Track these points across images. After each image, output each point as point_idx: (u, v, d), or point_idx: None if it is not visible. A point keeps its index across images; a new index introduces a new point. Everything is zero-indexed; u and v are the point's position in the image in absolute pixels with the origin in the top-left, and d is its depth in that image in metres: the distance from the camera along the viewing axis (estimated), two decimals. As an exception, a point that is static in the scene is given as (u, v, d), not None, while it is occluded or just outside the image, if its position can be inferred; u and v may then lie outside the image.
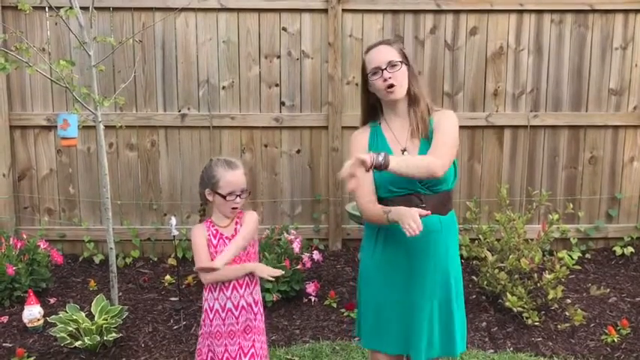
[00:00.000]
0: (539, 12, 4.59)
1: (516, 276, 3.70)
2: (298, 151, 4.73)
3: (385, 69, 2.23)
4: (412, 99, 2.30)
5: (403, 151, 2.28)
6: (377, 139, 2.33)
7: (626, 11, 4.58)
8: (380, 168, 2.00)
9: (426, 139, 2.26)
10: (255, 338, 2.48)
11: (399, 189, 2.22)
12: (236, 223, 2.46)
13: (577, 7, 4.58)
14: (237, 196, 2.38)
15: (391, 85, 2.23)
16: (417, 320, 2.27)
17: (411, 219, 2.01)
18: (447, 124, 2.27)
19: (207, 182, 2.42)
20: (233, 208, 2.41)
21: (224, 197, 2.37)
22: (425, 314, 2.28)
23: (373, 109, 2.39)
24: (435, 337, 2.30)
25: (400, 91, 2.26)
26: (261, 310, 2.53)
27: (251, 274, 2.47)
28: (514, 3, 4.58)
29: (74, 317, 3.27)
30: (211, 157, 2.51)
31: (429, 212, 2.11)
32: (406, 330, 2.29)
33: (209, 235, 2.43)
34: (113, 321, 3.31)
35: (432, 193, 2.24)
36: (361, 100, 2.42)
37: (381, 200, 2.29)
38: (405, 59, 2.28)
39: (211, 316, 2.46)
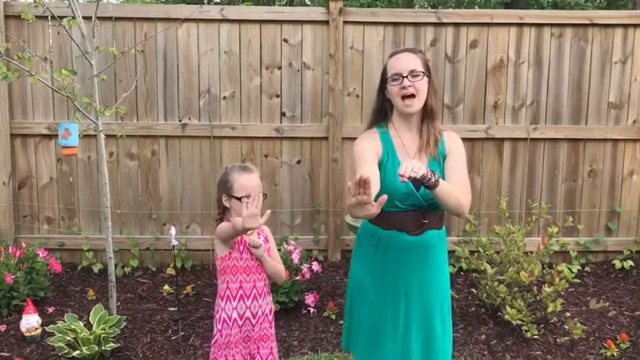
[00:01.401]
0: (539, 25, 4.61)
1: (516, 289, 3.69)
2: (298, 162, 4.74)
3: (406, 77, 2.17)
4: (428, 113, 2.25)
5: None
6: (387, 147, 2.26)
7: (625, 26, 4.61)
8: (427, 186, 1.98)
9: (434, 158, 2.23)
10: (272, 345, 2.52)
11: (405, 205, 2.20)
12: (258, 234, 2.49)
13: (577, 21, 4.61)
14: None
15: (411, 96, 2.18)
16: (413, 333, 2.26)
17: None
18: (461, 154, 2.26)
19: (223, 188, 2.42)
20: None
21: (239, 200, 2.36)
22: (422, 327, 2.26)
23: (383, 113, 2.33)
24: (433, 350, 2.29)
25: (418, 104, 2.20)
26: (273, 317, 2.55)
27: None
28: (514, 16, 4.62)
29: (72, 327, 3.27)
30: (227, 165, 2.52)
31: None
32: (402, 343, 2.27)
33: (236, 240, 2.41)
34: (111, 331, 3.31)
35: (433, 210, 2.22)
36: (375, 103, 2.36)
37: (382, 214, 2.27)
38: (428, 71, 2.23)
39: (230, 324, 2.43)
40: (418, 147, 2.25)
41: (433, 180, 1.97)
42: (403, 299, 2.26)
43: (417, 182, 1.97)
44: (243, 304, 2.43)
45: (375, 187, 1.95)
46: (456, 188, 2.13)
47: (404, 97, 2.19)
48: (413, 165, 1.90)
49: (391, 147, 2.26)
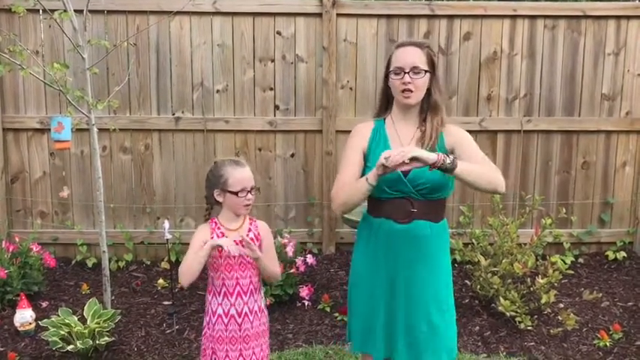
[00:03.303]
0: (533, 17, 4.61)
1: (509, 280, 3.71)
2: (292, 155, 4.73)
3: (408, 72, 2.18)
4: (432, 107, 2.27)
5: None
6: (379, 136, 2.29)
7: (618, 17, 4.61)
8: (445, 170, 2.01)
9: (430, 150, 2.21)
10: (261, 342, 2.47)
11: (393, 191, 2.20)
12: (249, 230, 2.44)
13: (570, 12, 4.61)
14: (248, 192, 2.37)
15: (408, 90, 2.19)
16: (404, 324, 2.26)
17: (383, 157, 2.00)
18: (468, 141, 2.28)
19: (215, 182, 2.39)
20: (246, 206, 2.39)
21: (236, 194, 2.35)
22: (412, 318, 2.26)
23: (388, 102, 2.36)
24: (420, 342, 2.27)
25: (415, 97, 2.22)
26: (266, 313, 2.52)
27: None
28: (508, 8, 4.61)
29: (66, 321, 3.26)
30: (215, 160, 2.51)
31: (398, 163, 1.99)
32: (390, 334, 2.28)
33: (213, 236, 2.38)
34: (106, 325, 3.30)
35: (425, 200, 2.22)
36: (380, 91, 2.38)
37: (373, 200, 2.29)
38: (432, 67, 2.24)
39: (214, 320, 2.42)
40: (414, 137, 2.26)
41: (448, 162, 1.99)
42: (391, 288, 2.27)
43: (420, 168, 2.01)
44: (227, 301, 2.40)
45: (357, 170, 2.25)
46: (481, 166, 2.15)
47: (403, 90, 2.21)
48: (403, 152, 1.94)
49: (383, 137, 2.28)
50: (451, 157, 2.01)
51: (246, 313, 2.42)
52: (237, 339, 2.42)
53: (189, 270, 2.32)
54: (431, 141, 2.23)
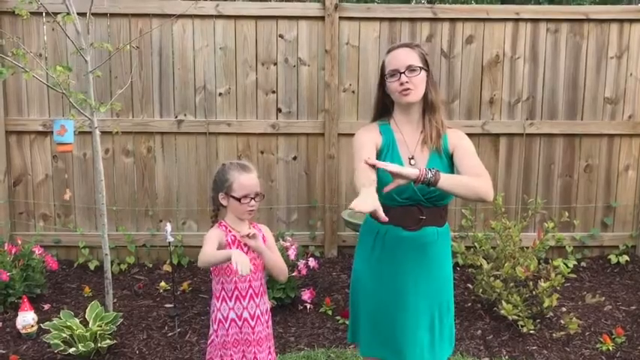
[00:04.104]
0: (535, 21, 4.61)
1: (512, 284, 3.70)
2: (294, 158, 4.73)
3: (403, 72, 2.18)
4: (429, 106, 2.25)
5: (410, 159, 2.23)
6: (388, 140, 2.27)
7: (620, 21, 4.61)
8: (428, 184, 1.97)
9: (436, 152, 2.22)
10: (269, 345, 2.48)
11: (403, 199, 2.19)
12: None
13: (572, 16, 4.61)
14: (252, 199, 2.37)
15: (407, 89, 2.19)
16: (411, 329, 2.26)
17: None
18: (467, 144, 2.24)
19: (220, 186, 2.39)
20: (249, 212, 2.39)
21: (239, 200, 2.35)
22: (419, 323, 2.26)
23: (385, 108, 2.35)
24: (433, 345, 2.29)
25: (415, 95, 2.21)
26: (270, 315, 2.53)
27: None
28: (510, 12, 4.61)
29: (68, 324, 3.26)
30: (224, 162, 2.50)
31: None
32: (401, 338, 2.28)
33: (227, 240, 2.37)
34: (107, 328, 3.30)
35: (433, 206, 2.22)
36: (375, 99, 2.38)
37: (383, 208, 2.26)
38: (426, 65, 2.24)
39: (227, 325, 2.39)
40: (419, 141, 2.25)
41: (430, 176, 1.96)
42: (398, 294, 2.26)
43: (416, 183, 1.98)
44: (240, 304, 2.39)
45: (372, 174, 1.97)
46: (466, 177, 2.12)
47: (402, 91, 2.20)
48: (399, 183, 1.94)
49: (392, 139, 2.26)
50: (433, 170, 1.98)
51: (258, 315, 2.42)
52: (250, 342, 2.41)
53: (206, 264, 2.31)
54: (432, 141, 2.23)
